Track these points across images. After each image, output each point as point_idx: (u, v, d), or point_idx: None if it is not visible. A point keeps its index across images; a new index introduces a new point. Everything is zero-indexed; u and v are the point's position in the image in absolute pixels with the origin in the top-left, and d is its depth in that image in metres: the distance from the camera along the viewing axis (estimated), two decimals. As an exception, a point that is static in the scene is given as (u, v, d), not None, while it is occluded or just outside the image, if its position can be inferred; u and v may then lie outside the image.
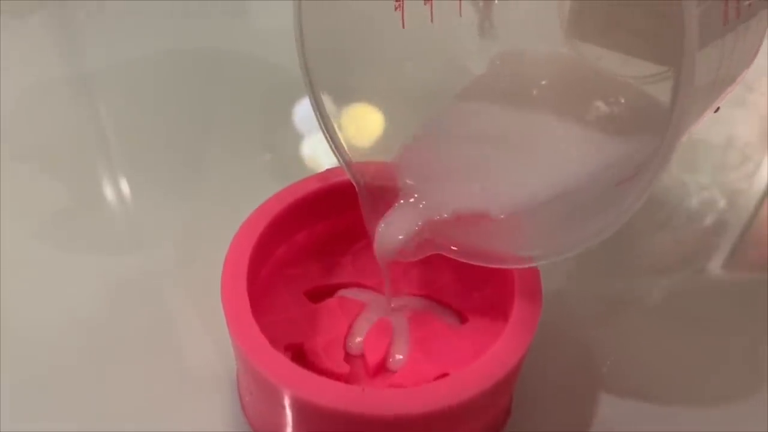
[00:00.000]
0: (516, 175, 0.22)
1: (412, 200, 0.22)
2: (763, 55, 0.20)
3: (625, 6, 0.24)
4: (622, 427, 0.24)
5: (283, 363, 0.20)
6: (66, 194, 0.32)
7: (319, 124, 0.23)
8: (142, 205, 0.32)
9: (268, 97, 0.37)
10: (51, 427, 0.24)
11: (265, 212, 0.23)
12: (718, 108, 0.20)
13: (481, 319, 0.24)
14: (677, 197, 0.33)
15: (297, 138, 0.35)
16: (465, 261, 0.21)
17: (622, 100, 0.23)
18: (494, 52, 0.25)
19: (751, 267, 0.31)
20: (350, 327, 0.24)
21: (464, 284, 0.25)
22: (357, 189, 0.23)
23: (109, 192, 0.32)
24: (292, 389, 0.19)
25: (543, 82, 0.25)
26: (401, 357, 0.23)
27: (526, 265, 0.21)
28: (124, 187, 0.32)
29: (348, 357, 0.23)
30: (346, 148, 0.23)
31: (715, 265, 0.30)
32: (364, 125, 0.24)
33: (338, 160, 0.23)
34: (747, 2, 0.18)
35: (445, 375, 0.22)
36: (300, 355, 0.23)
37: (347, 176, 0.23)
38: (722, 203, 0.33)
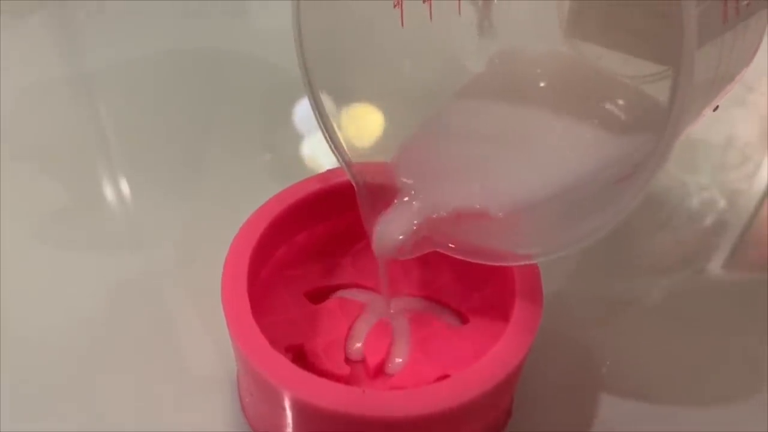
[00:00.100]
0: (515, 174, 0.22)
1: (410, 198, 0.22)
2: (763, 54, 0.20)
3: (625, 5, 0.24)
4: (622, 427, 0.24)
5: (284, 364, 0.20)
6: (66, 194, 0.32)
7: (319, 124, 0.23)
8: (142, 205, 0.32)
9: (268, 97, 0.37)
10: (51, 427, 0.24)
11: (265, 213, 0.23)
12: (717, 107, 0.20)
13: (481, 319, 0.24)
14: (677, 197, 0.33)
15: (297, 138, 0.35)
16: (463, 258, 0.21)
17: (622, 99, 0.23)
18: (493, 51, 0.25)
19: (751, 267, 0.31)
20: (350, 329, 0.24)
21: (465, 285, 0.25)
22: (356, 188, 0.23)
23: (109, 192, 0.32)
24: (293, 391, 0.19)
25: (542, 81, 0.24)
26: (400, 361, 0.23)
27: (524, 263, 0.21)
28: (124, 187, 0.32)
29: (348, 358, 0.23)
30: (345, 147, 0.23)
31: (715, 266, 0.30)
32: (364, 125, 0.24)
33: (338, 160, 0.23)
34: (746, 2, 0.18)
35: (445, 376, 0.22)
36: (300, 357, 0.23)
37: (347, 177, 0.23)
38: (722, 203, 0.33)
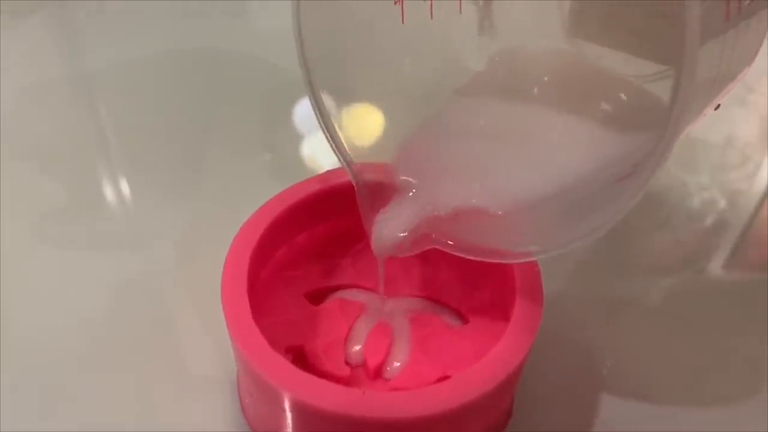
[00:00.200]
0: (515, 172, 0.22)
1: (409, 196, 0.22)
2: (763, 55, 0.20)
3: (626, 5, 0.24)
4: (622, 427, 0.24)
5: (284, 365, 0.20)
6: (66, 194, 0.32)
7: (320, 123, 0.23)
8: (142, 205, 0.32)
9: (268, 97, 0.37)
10: (51, 427, 0.24)
11: (265, 214, 0.23)
12: (718, 105, 0.20)
13: (481, 319, 0.24)
14: (677, 197, 0.33)
15: (297, 138, 0.35)
16: (462, 256, 0.21)
17: (623, 98, 0.23)
18: (494, 49, 0.25)
19: (751, 267, 0.31)
20: (350, 329, 0.24)
21: (465, 284, 0.25)
22: (355, 187, 0.23)
23: (109, 192, 0.32)
24: (293, 392, 0.19)
25: (543, 79, 0.24)
26: (398, 365, 0.23)
27: (523, 260, 0.21)
28: (124, 187, 0.32)
29: (348, 362, 0.23)
30: (346, 147, 0.23)
31: (716, 266, 0.30)
32: (365, 124, 0.24)
33: (339, 160, 0.23)
34: (747, 0, 0.18)
35: (445, 376, 0.22)
36: (300, 358, 0.23)
37: (348, 178, 0.23)
38: (722, 203, 0.33)
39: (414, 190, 0.22)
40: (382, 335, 0.24)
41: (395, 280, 0.25)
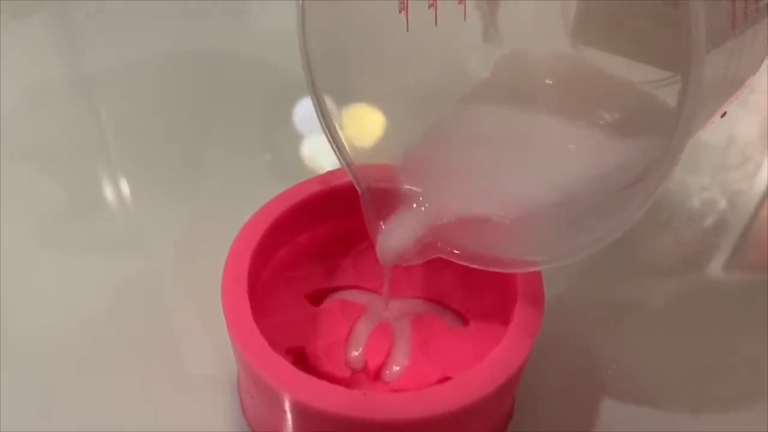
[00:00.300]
0: (520, 180, 0.22)
1: (415, 205, 0.22)
2: (764, 55, 0.20)
3: (631, 12, 0.24)
4: (623, 428, 0.24)
5: (284, 367, 0.20)
6: (66, 195, 0.32)
7: (321, 124, 0.23)
8: (142, 205, 0.32)
9: (268, 97, 0.37)
10: (51, 427, 0.24)
11: (266, 214, 0.23)
12: (725, 113, 0.20)
13: (483, 321, 0.24)
14: (678, 198, 0.33)
15: (297, 138, 0.35)
16: (467, 265, 0.21)
17: (628, 104, 0.23)
18: (498, 55, 0.25)
19: (751, 267, 0.31)
20: (351, 331, 0.24)
21: (466, 286, 0.25)
22: (360, 193, 0.23)
23: (109, 192, 0.32)
24: (293, 393, 0.19)
25: (548, 85, 0.24)
26: (397, 369, 0.23)
27: (529, 270, 0.21)
28: (124, 187, 0.32)
29: (349, 366, 0.23)
30: (347, 148, 0.23)
31: (716, 266, 0.30)
32: (366, 126, 0.24)
33: (339, 161, 0.23)
34: (755, 6, 0.18)
35: (446, 378, 0.22)
36: (301, 359, 0.23)
37: (348, 178, 0.23)
38: (723, 204, 0.33)
39: (419, 199, 0.22)
40: (382, 336, 0.24)
41: (397, 282, 0.25)
